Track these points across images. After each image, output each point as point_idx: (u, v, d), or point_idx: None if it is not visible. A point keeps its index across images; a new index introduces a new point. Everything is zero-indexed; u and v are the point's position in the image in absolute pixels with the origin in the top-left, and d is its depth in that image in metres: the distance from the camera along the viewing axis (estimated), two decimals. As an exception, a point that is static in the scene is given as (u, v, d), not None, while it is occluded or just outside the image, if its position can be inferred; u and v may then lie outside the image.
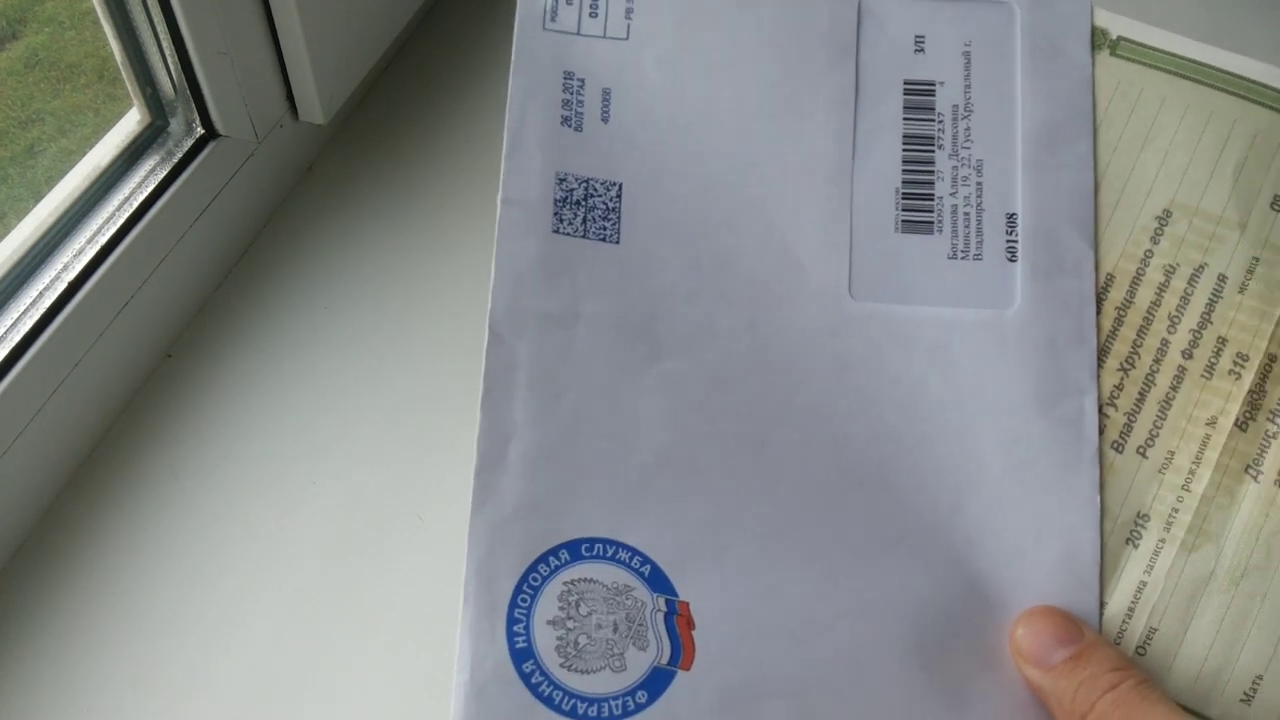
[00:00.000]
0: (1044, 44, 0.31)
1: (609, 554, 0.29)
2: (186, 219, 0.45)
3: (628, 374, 0.30)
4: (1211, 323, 0.30)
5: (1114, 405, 0.29)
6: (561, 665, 0.28)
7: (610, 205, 0.31)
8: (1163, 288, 0.30)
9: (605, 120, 0.31)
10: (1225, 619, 0.28)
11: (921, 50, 0.31)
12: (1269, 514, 0.29)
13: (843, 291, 0.30)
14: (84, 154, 0.44)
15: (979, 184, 0.31)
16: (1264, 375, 0.29)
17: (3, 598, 0.40)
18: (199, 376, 0.46)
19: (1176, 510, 0.29)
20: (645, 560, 0.29)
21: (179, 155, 0.45)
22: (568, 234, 0.30)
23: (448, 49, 0.58)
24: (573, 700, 0.28)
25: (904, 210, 0.31)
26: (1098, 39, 0.31)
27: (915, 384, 0.30)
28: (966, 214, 0.30)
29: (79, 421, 0.42)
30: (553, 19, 0.32)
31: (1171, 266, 0.30)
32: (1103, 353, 0.30)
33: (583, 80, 0.31)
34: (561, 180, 0.31)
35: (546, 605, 0.29)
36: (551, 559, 0.29)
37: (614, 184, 0.31)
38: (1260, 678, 0.28)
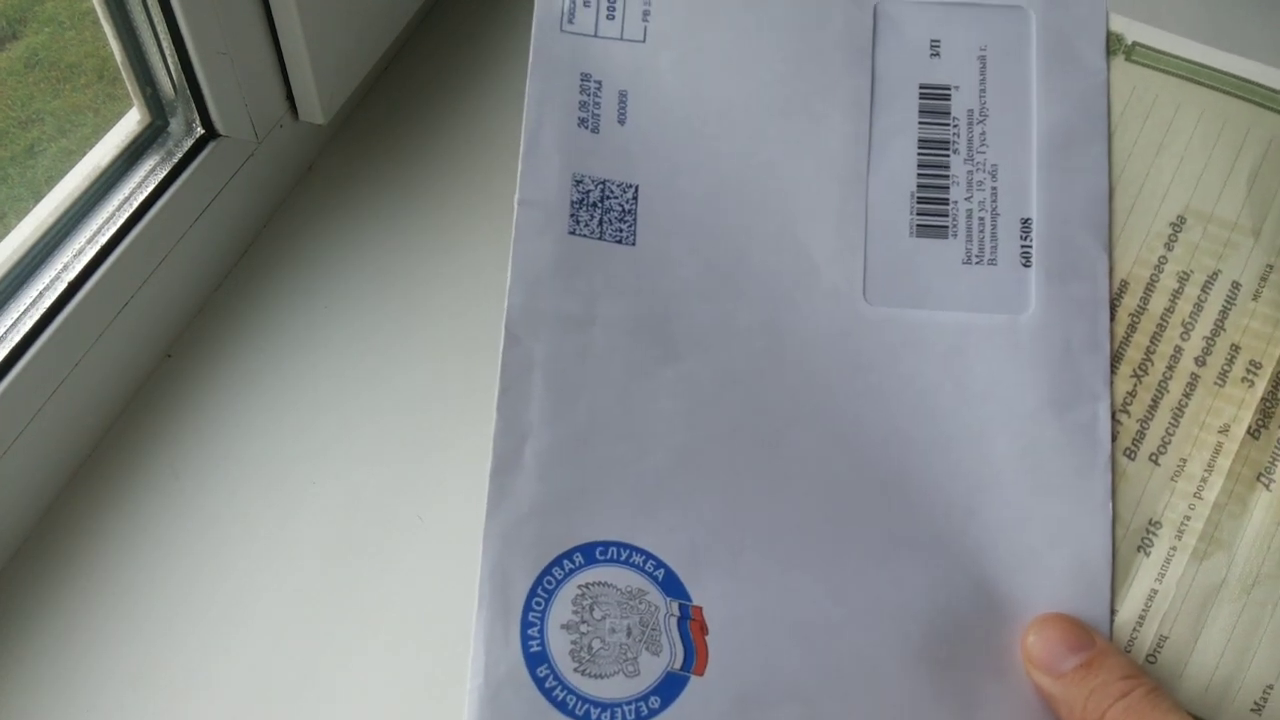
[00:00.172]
0: (1059, 48, 0.31)
1: (623, 557, 0.29)
2: (186, 219, 0.45)
3: (643, 375, 0.30)
4: (1225, 330, 0.30)
5: (1127, 412, 0.29)
6: (575, 670, 0.28)
7: (626, 207, 0.31)
8: (1176, 294, 0.30)
9: (622, 122, 0.31)
10: (1236, 628, 0.28)
11: (937, 54, 0.31)
12: None
13: (857, 295, 0.30)
14: (84, 154, 0.44)
15: (994, 188, 0.31)
16: (1277, 383, 0.29)
17: (3, 598, 0.40)
18: (199, 376, 0.46)
19: (1188, 518, 0.29)
20: (659, 564, 0.29)
21: (179, 155, 0.45)
22: (584, 235, 0.30)
23: (448, 49, 0.58)
24: (586, 705, 0.28)
25: (919, 214, 0.31)
26: (1113, 44, 0.31)
27: (929, 388, 0.30)
28: (981, 219, 0.30)
29: (79, 421, 0.42)
30: (570, 21, 0.32)
31: (1185, 273, 0.30)
32: (1116, 359, 0.30)
33: (600, 82, 0.31)
34: (578, 182, 0.31)
35: (560, 609, 0.29)
36: (566, 562, 0.29)
37: (630, 185, 0.31)
38: (1271, 687, 0.28)
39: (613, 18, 0.32)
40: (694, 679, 0.28)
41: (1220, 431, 0.29)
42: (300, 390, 0.45)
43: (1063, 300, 0.30)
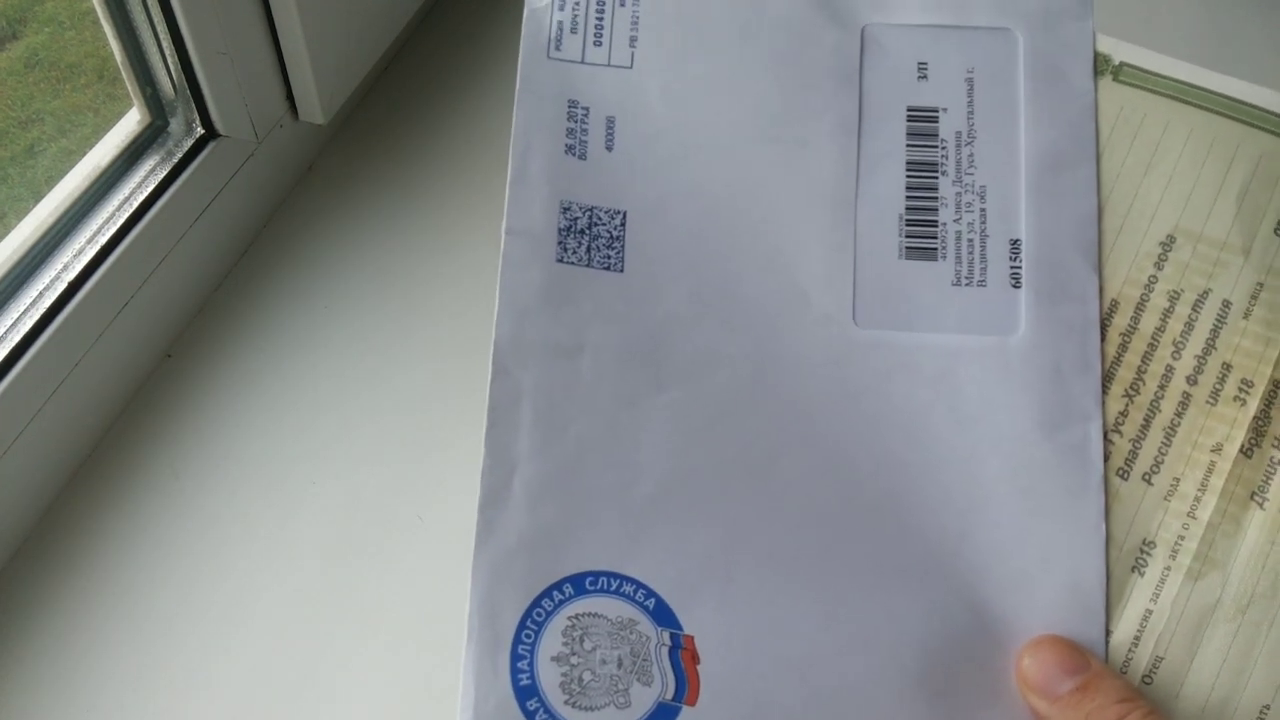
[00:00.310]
0: (1046, 70, 0.31)
1: (613, 587, 0.29)
2: (186, 219, 0.45)
3: (632, 404, 0.30)
4: (1216, 349, 0.30)
5: (1119, 432, 0.29)
6: (566, 702, 0.28)
7: (614, 234, 0.30)
8: (1167, 313, 0.30)
9: (610, 148, 0.31)
10: (1232, 648, 0.28)
11: (924, 77, 0.31)
12: (1275, 541, 0.29)
13: (847, 319, 0.30)
14: (84, 154, 0.44)
15: (983, 210, 0.30)
16: (1269, 401, 0.29)
17: (3, 598, 0.40)
18: (199, 376, 0.46)
19: (1182, 538, 0.29)
20: (650, 594, 0.29)
21: (179, 155, 0.45)
22: (572, 263, 0.30)
23: (448, 49, 0.58)
24: None
25: (908, 237, 0.31)
26: (1100, 65, 0.31)
27: (920, 411, 0.29)
28: (970, 240, 0.30)
29: (79, 421, 0.42)
30: (557, 48, 0.32)
31: (1176, 292, 0.30)
32: (1107, 379, 0.30)
33: (587, 109, 0.31)
34: (566, 209, 0.31)
35: (550, 641, 0.28)
36: (556, 593, 0.29)
37: (618, 212, 0.31)
38: (1267, 708, 0.28)
39: (600, 44, 0.31)
40: (686, 709, 0.28)
41: (1213, 450, 0.29)
42: (300, 390, 0.45)
43: (1053, 321, 0.30)
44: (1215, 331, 0.30)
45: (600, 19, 0.32)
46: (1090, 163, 0.30)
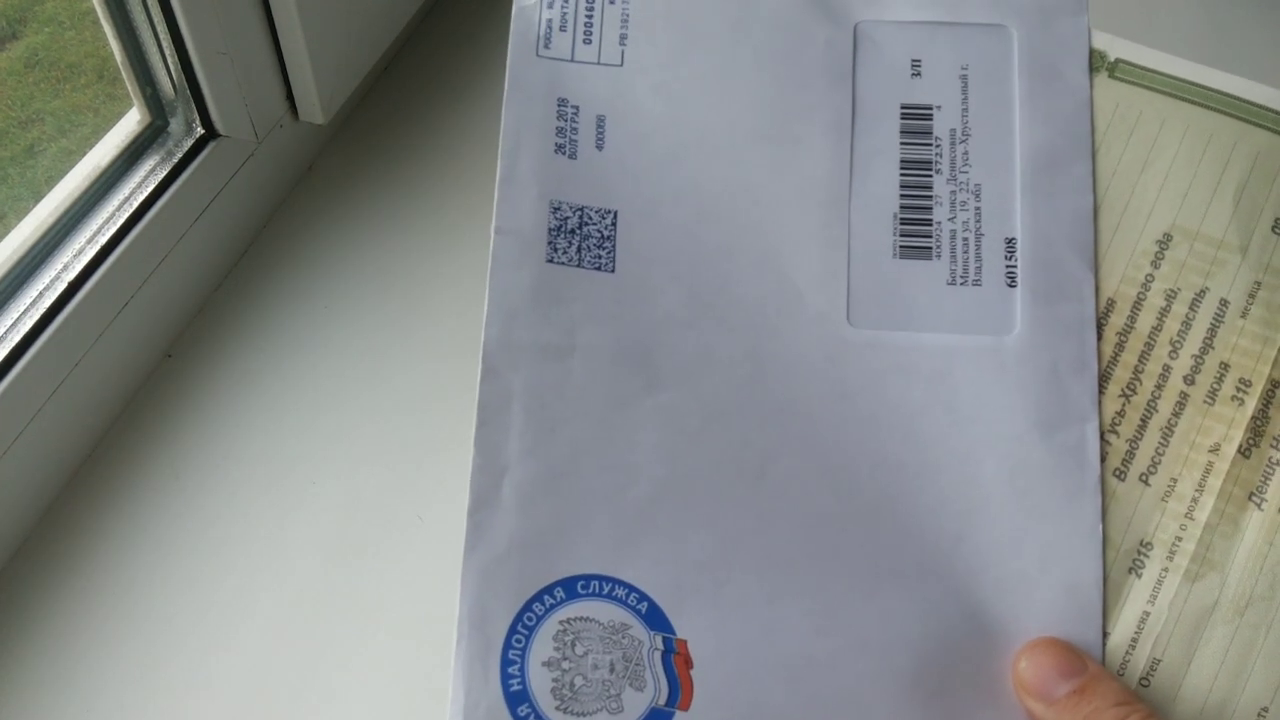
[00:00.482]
0: (1042, 67, 0.31)
1: (605, 591, 0.29)
2: (186, 219, 0.45)
3: (624, 405, 0.29)
4: (1214, 348, 0.29)
5: (1116, 432, 0.29)
6: (557, 708, 0.28)
7: (605, 233, 0.30)
8: (1164, 312, 0.30)
9: (600, 147, 0.31)
10: (1230, 650, 0.28)
11: (918, 74, 0.31)
12: (1273, 543, 0.28)
13: (841, 319, 0.30)
14: (84, 154, 0.44)
15: (977, 209, 0.30)
16: (1267, 401, 0.29)
17: (3, 598, 0.40)
18: (199, 376, 0.46)
19: (1180, 539, 0.29)
20: (642, 597, 0.29)
21: (179, 155, 0.45)
22: (562, 263, 0.30)
23: (448, 49, 0.58)
24: None
25: (902, 236, 0.30)
26: (1096, 61, 0.31)
27: (915, 412, 0.29)
28: (965, 239, 0.30)
29: (79, 421, 0.42)
30: (546, 46, 0.31)
31: (1173, 291, 0.30)
32: (1104, 379, 0.29)
33: (577, 107, 0.31)
34: (556, 209, 0.30)
35: (541, 646, 0.28)
36: (546, 597, 0.28)
37: (609, 212, 0.30)
38: (1266, 710, 0.28)
39: (590, 42, 0.31)
40: (679, 714, 0.28)
41: (1211, 451, 0.29)
42: (300, 390, 0.45)
43: (1049, 320, 0.30)
44: (1213, 330, 0.29)
45: (589, 17, 0.31)
46: (1086, 160, 0.30)
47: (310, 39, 0.46)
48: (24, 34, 0.54)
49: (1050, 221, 0.30)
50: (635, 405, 0.29)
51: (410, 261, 0.49)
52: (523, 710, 0.28)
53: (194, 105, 0.45)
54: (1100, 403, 0.29)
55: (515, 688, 0.28)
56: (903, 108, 0.31)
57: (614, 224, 0.30)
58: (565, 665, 0.28)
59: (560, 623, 0.28)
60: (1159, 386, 0.29)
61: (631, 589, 0.29)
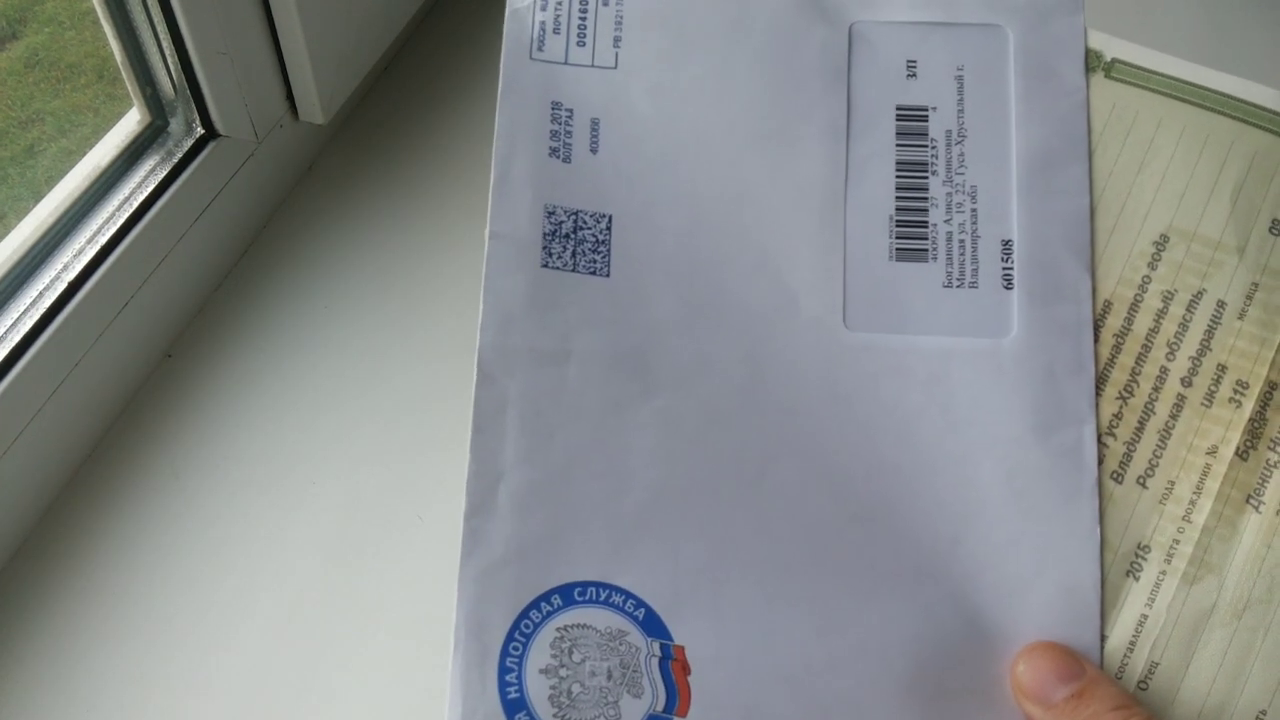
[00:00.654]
0: (1037, 67, 0.31)
1: (602, 598, 0.28)
2: (186, 219, 0.45)
3: (620, 410, 0.29)
4: (1211, 350, 0.29)
5: (1113, 434, 0.29)
6: (555, 715, 0.28)
7: (600, 238, 0.30)
8: (1161, 314, 0.29)
9: (594, 151, 0.30)
10: (1228, 653, 0.28)
11: (914, 75, 0.31)
12: (1271, 545, 0.28)
13: (837, 322, 0.30)
14: (84, 154, 0.44)
15: (973, 210, 0.30)
16: (1264, 403, 0.29)
17: (3, 598, 0.40)
18: (199, 376, 0.46)
19: (1177, 542, 0.29)
20: (639, 604, 0.28)
21: (179, 155, 0.45)
22: (557, 268, 0.30)
23: (448, 49, 0.58)
24: None
25: (898, 238, 0.30)
26: (1092, 61, 0.31)
27: (912, 415, 0.29)
28: (961, 241, 0.30)
29: (79, 421, 0.42)
30: (540, 48, 0.31)
31: (1170, 292, 0.29)
32: (1101, 381, 0.29)
33: (571, 110, 0.31)
34: (550, 213, 0.30)
35: (539, 653, 0.28)
36: (544, 604, 0.28)
37: (604, 216, 0.30)
38: (1264, 713, 0.28)
39: (583, 44, 0.31)
40: None
41: (1208, 453, 0.29)
42: (300, 390, 0.45)
43: (1045, 322, 0.29)
44: (1210, 332, 0.29)
45: (583, 19, 0.31)
46: (1082, 161, 0.30)
47: (310, 39, 0.46)
48: (24, 34, 0.54)
49: (1046, 223, 0.30)
50: (631, 410, 0.29)
51: (410, 261, 0.49)
52: (520, 718, 0.28)
53: (194, 105, 0.45)
54: (1097, 405, 0.29)
55: (513, 695, 0.28)
56: (898, 109, 0.31)
57: (609, 228, 0.30)
58: (563, 673, 0.28)
59: (557, 630, 0.28)
60: (1156, 388, 0.29)
61: (628, 595, 0.28)
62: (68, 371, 0.41)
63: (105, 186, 0.43)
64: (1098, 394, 0.29)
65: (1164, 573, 0.29)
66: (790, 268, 0.30)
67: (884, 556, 0.29)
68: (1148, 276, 0.30)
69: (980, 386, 0.29)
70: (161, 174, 0.44)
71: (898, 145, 0.31)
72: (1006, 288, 0.30)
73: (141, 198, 0.43)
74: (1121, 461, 0.29)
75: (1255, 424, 0.29)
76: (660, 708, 0.28)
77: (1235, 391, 0.29)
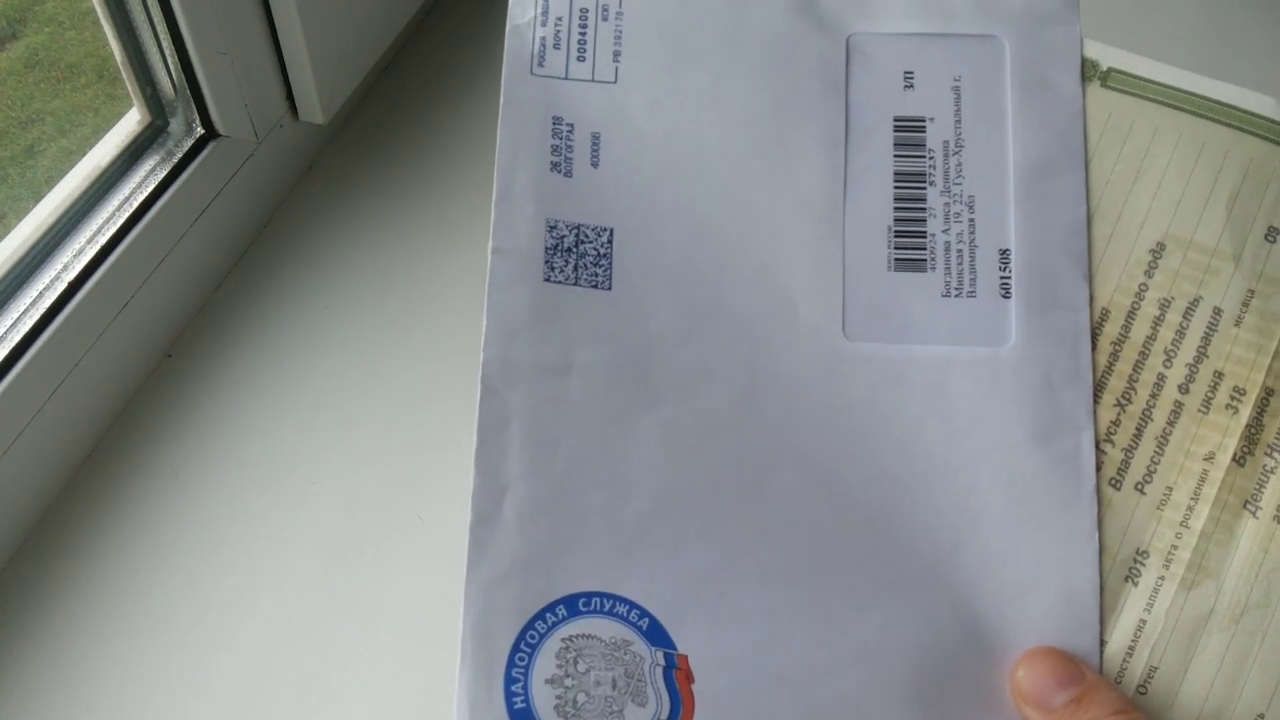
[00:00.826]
0: (1034, 77, 0.31)
1: (606, 608, 0.29)
2: (186, 219, 0.45)
3: (622, 422, 0.29)
4: (1208, 356, 0.29)
5: (1111, 441, 0.29)
6: None
7: (601, 251, 0.30)
8: (1158, 321, 0.30)
9: (595, 165, 0.31)
10: (1226, 657, 0.28)
11: (911, 86, 0.31)
12: (1268, 550, 0.28)
13: (837, 332, 0.30)
14: (84, 154, 0.44)
15: (971, 220, 0.30)
16: (1261, 409, 0.29)
17: (3, 598, 0.40)
18: (199, 376, 0.46)
19: (1175, 547, 0.29)
20: (643, 613, 0.29)
21: (179, 155, 0.45)
22: (559, 282, 0.30)
23: (448, 49, 0.58)
24: None
25: (896, 249, 0.30)
26: (1088, 71, 0.31)
27: (911, 424, 0.29)
28: (959, 251, 0.30)
29: (79, 421, 0.42)
30: (540, 64, 0.31)
31: (1166, 300, 0.30)
32: (1099, 388, 0.29)
33: (572, 125, 0.31)
34: (552, 227, 0.30)
35: (544, 663, 0.28)
36: (549, 615, 0.29)
37: (605, 229, 0.30)
38: (1262, 716, 0.28)
39: (584, 59, 0.31)
40: None
41: (1206, 459, 0.29)
42: (300, 390, 0.45)
43: (1043, 331, 0.30)
44: (1207, 339, 0.29)
45: (583, 34, 0.31)
46: (1079, 170, 0.30)
47: (310, 39, 0.46)
48: (24, 34, 0.54)
49: (1044, 232, 0.30)
50: (633, 421, 0.29)
51: (410, 261, 0.49)
52: None
53: (194, 105, 0.45)
54: (1095, 412, 0.29)
55: (519, 705, 0.28)
56: (896, 120, 0.31)
57: (610, 241, 0.30)
58: (568, 682, 0.28)
59: (562, 640, 0.28)
60: (1154, 395, 0.29)
61: (632, 605, 0.29)
62: (68, 371, 0.41)
63: (105, 186, 0.43)
64: (1096, 401, 0.29)
65: (1162, 578, 0.29)
66: (789, 278, 0.30)
67: (884, 564, 0.29)
68: (1145, 284, 0.30)
69: (979, 395, 0.29)
70: (161, 174, 0.44)
71: (895, 156, 0.31)
72: (1004, 297, 0.30)
73: (141, 198, 0.43)
74: (1120, 468, 0.29)
75: (1252, 430, 0.29)
76: (664, 716, 0.28)
77: (1232, 398, 0.29)
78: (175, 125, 0.46)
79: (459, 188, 0.52)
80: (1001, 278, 0.30)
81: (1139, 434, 0.29)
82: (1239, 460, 0.29)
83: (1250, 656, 0.28)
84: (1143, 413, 0.29)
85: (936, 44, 0.31)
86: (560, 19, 0.31)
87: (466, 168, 0.53)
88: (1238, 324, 0.29)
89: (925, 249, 0.30)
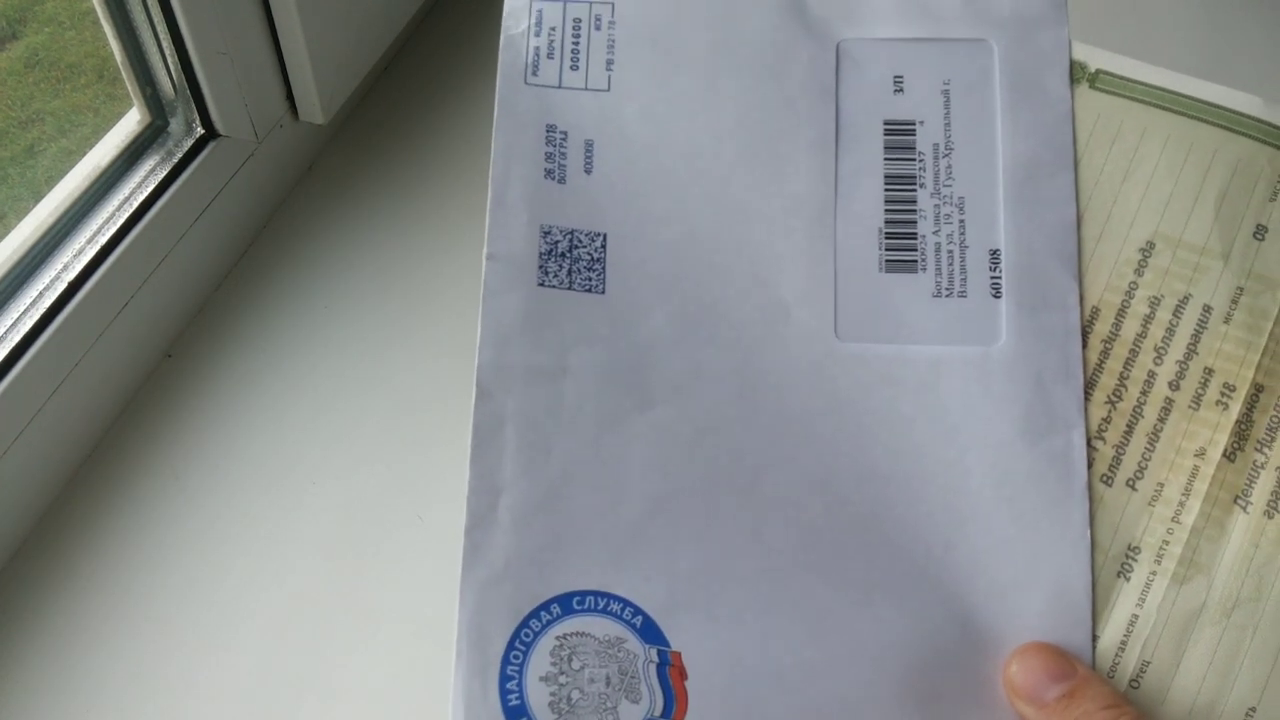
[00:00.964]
0: (1023, 80, 0.31)
1: (600, 606, 0.29)
2: (186, 219, 0.45)
3: (616, 424, 0.30)
4: (1197, 354, 0.30)
5: (1102, 438, 0.29)
6: None
7: (595, 256, 0.30)
8: (1148, 319, 0.30)
9: (588, 171, 0.31)
10: (1218, 651, 0.28)
11: (901, 90, 0.31)
12: (1259, 545, 0.29)
13: (829, 333, 0.30)
14: (84, 154, 0.44)
15: (961, 221, 0.30)
16: (1250, 405, 0.29)
17: (3, 598, 0.40)
18: (199, 376, 0.46)
19: (1167, 542, 0.29)
20: (637, 611, 0.29)
21: (179, 155, 0.45)
22: (553, 286, 0.30)
23: (448, 49, 0.58)
24: None
25: (887, 250, 0.31)
26: (1076, 73, 0.31)
27: (903, 423, 0.30)
28: (950, 252, 0.30)
29: (79, 421, 0.42)
30: (534, 74, 0.32)
31: (1156, 298, 0.30)
32: (1089, 386, 0.30)
33: (565, 133, 0.31)
34: (546, 233, 0.31)
35: (539, 661, 0.29)
36: (543, 614, 0.29)
37: (598, 234, 0.31)
38: (1253, 710, 0.28)
39: (577, 68, 0.32)
40: None
41: (1196, 455, 0.29)
42: (300, 390, 0.45)
43: (1034, 330, 0.30)
44: (1196, 336, 0.30)
45: (576, 43, 0.32)
46: (1068, 171, 0.30)
47: (310, 39, 0.46)
48: (24, 34, 0.54)
49: (1034, 232, 0.30)
50: (627, 423, 0.30)
51: (410, 261, 0.49)
52: None
53: (194, 105, 0.45)
54: (1086, 409, 0.29)
55: (514, 702, 0.28)
56: (886, 124, 0.31)
57: (604, 246, 0.31)
58: (562, 680, 0.28)
59: (557, 638, 0.29)
60: (1144, 392, 0.30)
61: (626, 603, 0.29)
62: (68, 371, 0.41)
63: (105, 186, 0.43)
64: (1086, 399, 0.30)
65: (1154, 573, 0.29)
66: (782, 280, 0.30)
67: (877, 562, 0.29)
68: (1134, 283, 0.30)
69: (970, 394, 0.30)
70: (161, 174, 0.44)
71: (886, 159, 0.31)
72: (995, 296, 0.30)
73: (141, 198, 0.43)
74: (1111, 464, 0.29)
75: (1242, 426, 0.29)
76: (658, 713, 0.28)
77: (1222, 394, 0.29)
78: (175, 125, 0.46)
79: (459, 188, 0.52)
80: (992, 278, 0.30)
81: (1130, 431, 0.29)
82: (1229, 456, 0.29)
83: (1242, 651, 0.28)
84: (1133, 410, 0.29)
85: (926, 48, 0.31)
86: (554, 29, 0.32)
87: (466, 168, 0.53)
88: (1227, 321, 0.30)
89: (916, 250, 0.30)
